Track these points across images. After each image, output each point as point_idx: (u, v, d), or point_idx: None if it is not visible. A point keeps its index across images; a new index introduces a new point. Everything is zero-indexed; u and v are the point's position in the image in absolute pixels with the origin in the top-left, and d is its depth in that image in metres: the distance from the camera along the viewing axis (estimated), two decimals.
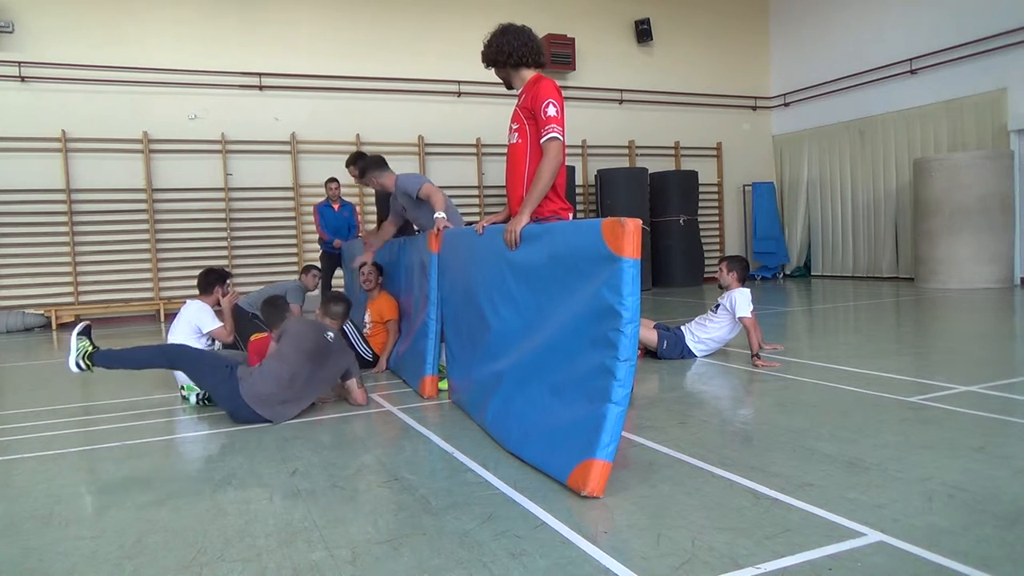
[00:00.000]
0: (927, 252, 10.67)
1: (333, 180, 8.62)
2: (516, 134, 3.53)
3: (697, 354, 5.38)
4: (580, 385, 2.77)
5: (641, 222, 2.65)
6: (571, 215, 3.52)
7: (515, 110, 3.56)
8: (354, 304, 5.38)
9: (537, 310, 3.16)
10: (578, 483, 2.58)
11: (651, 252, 12.45)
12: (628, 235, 2.59)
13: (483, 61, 3.67)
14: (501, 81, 3.71)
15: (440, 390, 4.44)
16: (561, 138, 3.31)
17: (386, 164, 5.43)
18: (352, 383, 4.24)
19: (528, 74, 3.57)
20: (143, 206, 10.48)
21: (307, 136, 11.28)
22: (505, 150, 3.68)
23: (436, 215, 4.54)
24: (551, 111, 3.32)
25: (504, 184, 3.87)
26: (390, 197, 5.52)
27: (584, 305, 2.77)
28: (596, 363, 2.67)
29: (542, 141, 3.33)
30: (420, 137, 11.75)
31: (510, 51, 3.53)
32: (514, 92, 3.68)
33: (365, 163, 5.54)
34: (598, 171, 12.64)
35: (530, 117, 3.42)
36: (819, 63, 13.56)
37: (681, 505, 2.47)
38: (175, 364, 4.11)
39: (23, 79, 9.87)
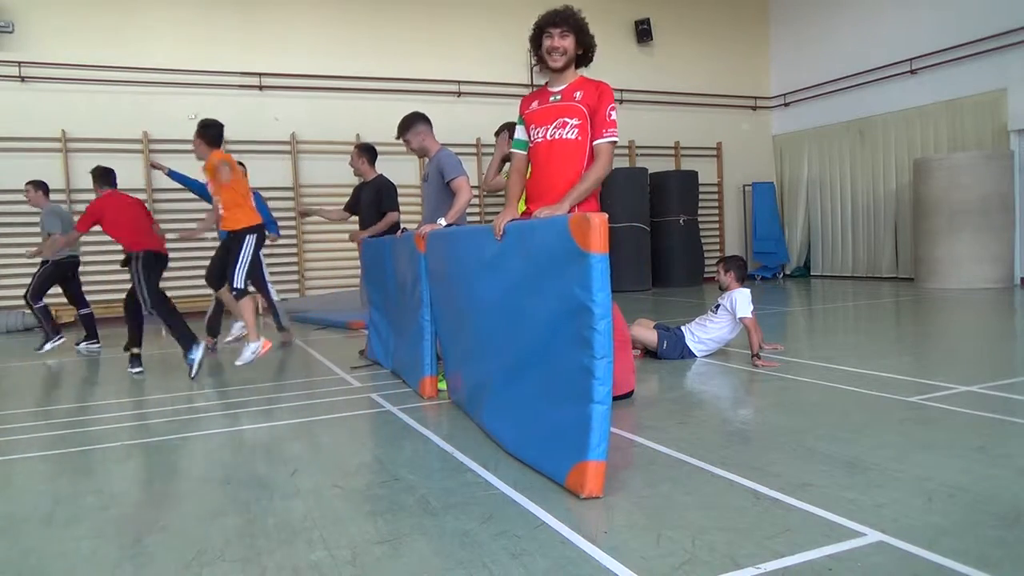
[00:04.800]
0: (927, 252, 10.67)
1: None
2: (576, 130, 3.43)
3: (697, 354, 5.38)
4: (563, 386, 2.74)
5: (607, 216, 2.60)
6: None
7: (572, 104, 3.43)
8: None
9: (518, 309, 3.12)
10: (575, 486, 2.58)
11: (651, 252, 12.45)
12: (594, 230, 2.53)
13: (562, 22, 3.40)
14: (539, 61, 3.53)
15: (440, 390, 4.44)
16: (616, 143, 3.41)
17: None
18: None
19: (575, 72, 3.53)
20: None
21: (307, 136, 11.28)
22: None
23: (440, 219, 4.48)
24: (614, 115, 3.40)
25: (525, 180, 3.67)
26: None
27: (558, 304, 2.74)
28: (575, 363, 2.64)
29: (600, 142, 3.37)
30: None
31: (593, 43, 3.50)
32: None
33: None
34: None
35: (598, 119, 3.41)
36: (819, 63, 13.55)
37: (681, 505, 2.47)
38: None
39: (23, 79, 9.86)
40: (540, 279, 2.89)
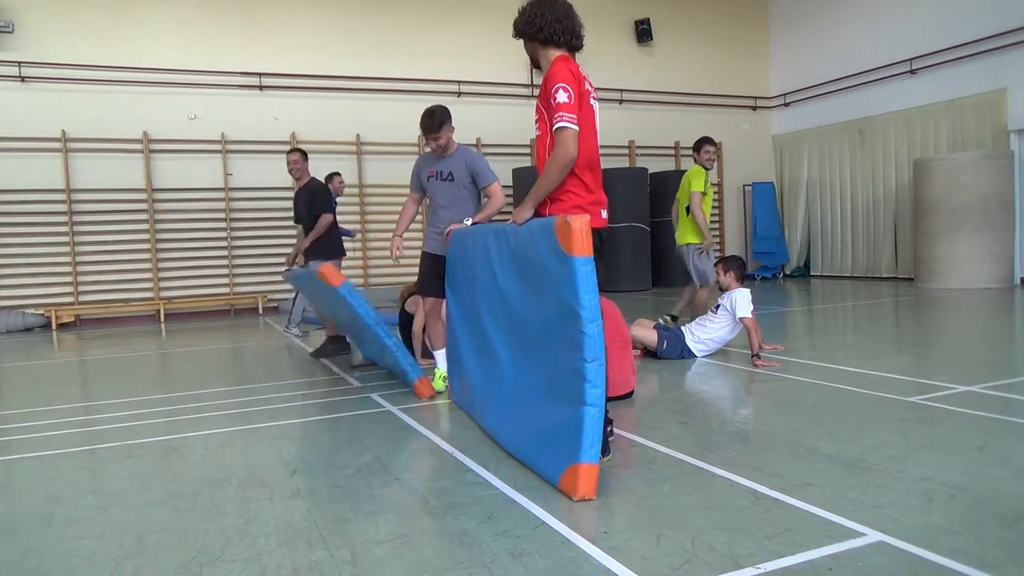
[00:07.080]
0: (927, 252, 10.67)
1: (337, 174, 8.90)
2: (538, 127, 3.23)
3: (697, 354, 5.38)
4: (559, 388, 2.75)
5: (589, 218, 2.58)
6: (603, 211, 3.17)
7: (538, 103, 3.26)
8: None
9: (522, 311, 3.12)
10: (568, 488, 2.58)
11: (651, 252, 12.45)
12: (575, 234, 2.54)
13: (514, 31, 3.36)
14: (530, 61, 3.39)
15: (434, 384, 4.46)
16: (572, 127, 2.97)
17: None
18: None
19: (554, 54, 3.25)
20: (143, 206, 10.47)
21: (307, 136, 11.26)
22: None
23: (466, 219, 4.34)
24: (560, 97, 3.00)
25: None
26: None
27: (552, 307, 2.76)
28: (568, 366, 2.66)
29: (552, 131, 3.03)
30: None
31: (542, 24, 3.23)
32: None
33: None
34: None
35: (548, 107, 3.12)
36: (819, 63, 13.55)
37: (681, 505, 2.47)
38: None
39: (23, 79, 9.86)
40: (534, 283, 2.91)
